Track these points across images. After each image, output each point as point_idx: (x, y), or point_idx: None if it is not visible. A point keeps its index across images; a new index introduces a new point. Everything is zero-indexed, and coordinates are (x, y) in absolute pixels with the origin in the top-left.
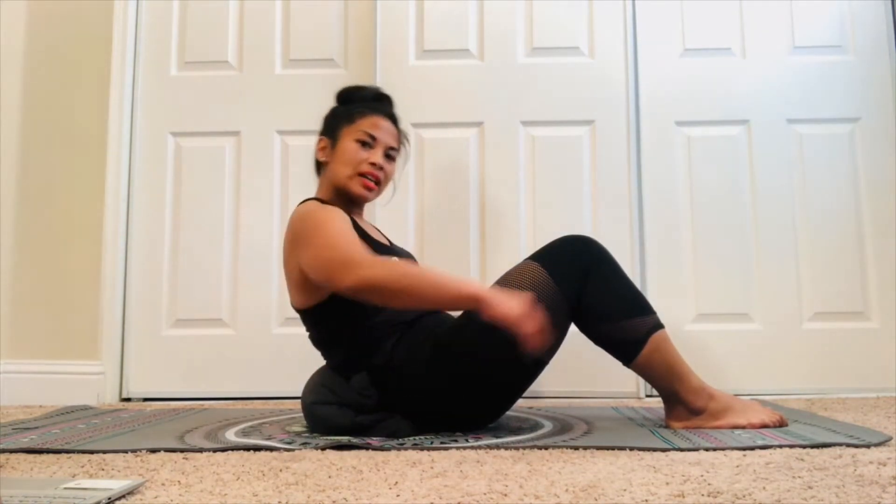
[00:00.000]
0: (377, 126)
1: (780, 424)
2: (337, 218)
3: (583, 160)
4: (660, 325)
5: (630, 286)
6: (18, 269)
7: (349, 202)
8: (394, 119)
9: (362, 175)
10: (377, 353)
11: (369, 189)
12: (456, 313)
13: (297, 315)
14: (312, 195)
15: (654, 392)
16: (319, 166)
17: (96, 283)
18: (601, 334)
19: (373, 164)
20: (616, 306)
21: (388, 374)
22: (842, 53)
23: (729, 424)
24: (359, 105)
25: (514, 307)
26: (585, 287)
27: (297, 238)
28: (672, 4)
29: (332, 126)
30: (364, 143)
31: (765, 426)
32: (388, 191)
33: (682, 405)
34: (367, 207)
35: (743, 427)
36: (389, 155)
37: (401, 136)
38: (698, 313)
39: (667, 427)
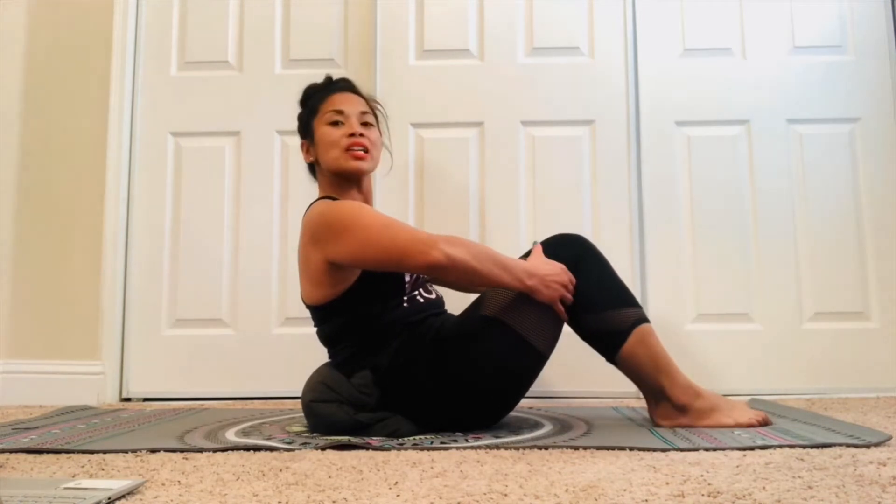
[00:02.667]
0: (339, 101)
1: (764, 423)
2: (368, 206)
3: (583, 160)
4: (645, 319)
5: (616, 280)
6: (18, 268)
7: (351, 186)
8: (354, 90)
9: (348, 150)
10: (382, 352)
11: (360, 158)
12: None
13: (297, 315)
14: (317, 196)
15: None
16: (314, 170)
17: (96, 283)
18: (587, 326)
19: (351, 135)
20: (601, 298)
21: (390, 376)
22: (842, 53)
23: (716, 423)
24: (316, 96)
25: (555, 293)
26: (575, 278)
27: (327, 232)
28: (672, 4)
29: (304, 126)
30: (335, 123)
31: (751, 425)
32: (385, 160)
33: (667, 401)
34: None
35: (730, 426)
36: (365, 122)
37: (369, 101)
38: (698, 313)
39: (656, 426)
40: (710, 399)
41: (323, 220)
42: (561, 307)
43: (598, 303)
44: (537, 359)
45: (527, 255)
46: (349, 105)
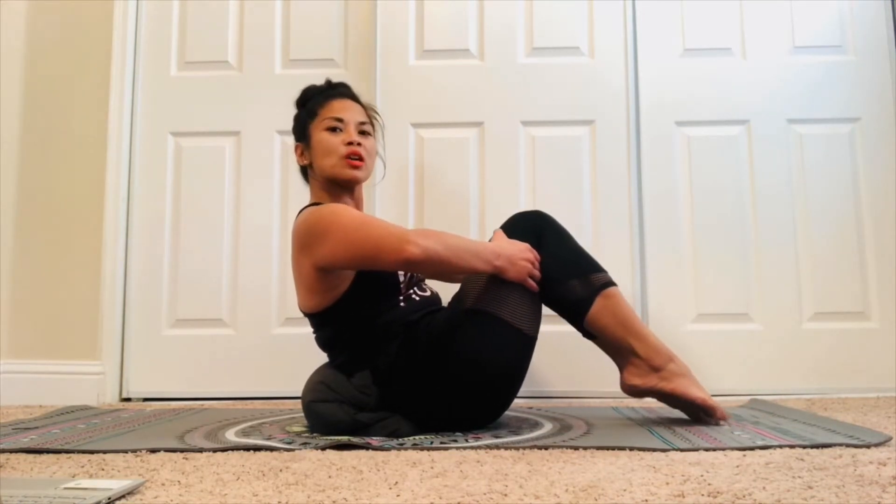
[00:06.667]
0: (338, 109)
1: (721, 415)
2: (348, 208)
3: (583, 160)
4: (610, 283)
5: (577, 249)
6: (18, 269)
7: (343, 192)
8: (353, 97)
9: (345, 158)
10: (381, 354)
11: (356, 168)
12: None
13: (297, 315)
14: (308, 202)
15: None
16: (306, 173)
17: (96, 283)
18: (554, 297)
19: (349, 144)
20: (564, 268)
21: (390, 375)
22: (842, 53)
23: (684, 391)
24: (315, 99)
25: (523, 270)
26: (539, 252)
27: (311, 238)
28: (672, 4)
29: (301, 129)
30: (333, 129)
31: (717, 410)
32: (378, 169)
33: (641, 360)
34: (367, 207)
35: (699, 399)
36: (363, 131)
37: (368, 110)
38: (698, 313)
39: (628, 385)
40: (682, 366)
41: (306, 227)
42: (531, 283)
43: (562, 273)
44: (527, 341)
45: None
46: (348, 113)
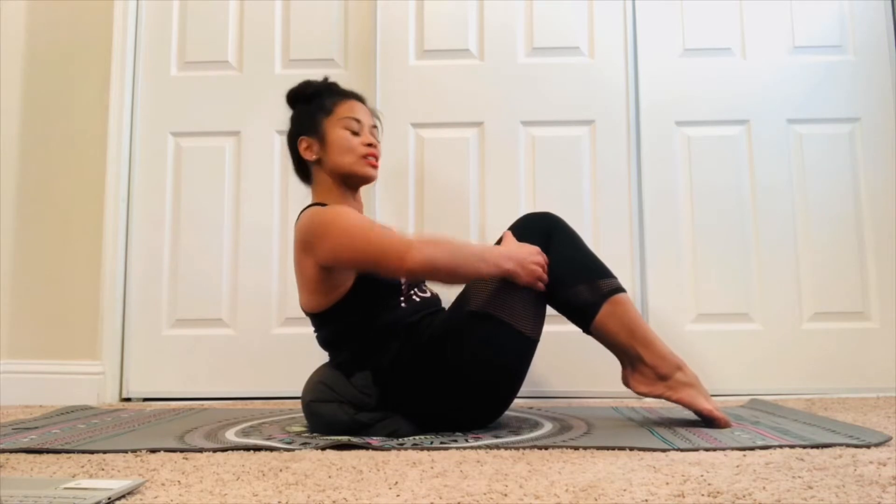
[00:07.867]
0: (358, 110)
1: (726, 424)
2: (349, 210)
3: (583, 160)
4: (619, 289)
5: (587, 253)
6: (18, 268)
7: (349, 192)
8: (364, 101)
9: (364, 157)
10: (382, 354)
11: (374, 167)
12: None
13: (297, 315)
14: (310, 202)
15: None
16: (305, 169)
17: (96, 283)
18: (561, 300)
19: (369, 146)
20: (573, 272)
21: (391, 375)
22: (842, 53)
23: (691, 401)
24: (328, 96)
25: (533, 274)
26: (547, 255)
27: (313, 236)
28: (672, 4)
29: (310, 123)
30: (352, 130)
31: (723, 419)
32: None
33: (648, 368)
34: (367, 207)
35: (706, 411)
36: (373, 133)
37: (374, 113)
38: (698, 313)
39: (629, 388)
40: (691, 376)
41: (310, 225)
42: (540, 286)
43: (570, 277)
44: (529, 344)
45: (498, 242)
46: (364, 116)
